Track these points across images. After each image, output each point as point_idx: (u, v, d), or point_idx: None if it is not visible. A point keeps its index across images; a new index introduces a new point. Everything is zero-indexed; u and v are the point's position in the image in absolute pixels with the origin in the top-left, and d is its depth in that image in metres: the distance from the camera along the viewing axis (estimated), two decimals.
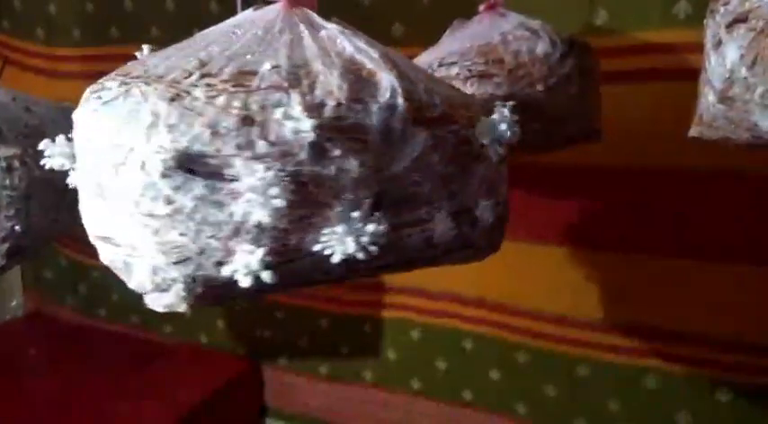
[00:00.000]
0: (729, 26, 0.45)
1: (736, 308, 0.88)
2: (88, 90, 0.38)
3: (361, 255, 0.35)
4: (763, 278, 0.85)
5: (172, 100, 0.34)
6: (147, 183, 0.33)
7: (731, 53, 0.44)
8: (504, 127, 0.43)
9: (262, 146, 0.33)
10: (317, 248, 0.35)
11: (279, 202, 0.33)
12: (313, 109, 0.34)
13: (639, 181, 0.90)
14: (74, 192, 0.40)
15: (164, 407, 1.14)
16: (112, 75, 0.38)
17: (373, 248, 0.36)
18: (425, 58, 0.65)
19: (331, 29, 0.41)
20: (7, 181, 0.53)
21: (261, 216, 0.33)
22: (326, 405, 1.27)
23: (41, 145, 0.40)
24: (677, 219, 0.89)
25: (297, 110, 0.34)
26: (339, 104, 0.35)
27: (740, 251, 0.86)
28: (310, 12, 0.42)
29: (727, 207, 0.86)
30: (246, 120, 0.33)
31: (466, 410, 1.12)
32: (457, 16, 0.70)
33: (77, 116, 0.38)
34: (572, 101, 0.63)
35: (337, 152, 0.35)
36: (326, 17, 0.42)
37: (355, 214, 0.35)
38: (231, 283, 0.35)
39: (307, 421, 1.29)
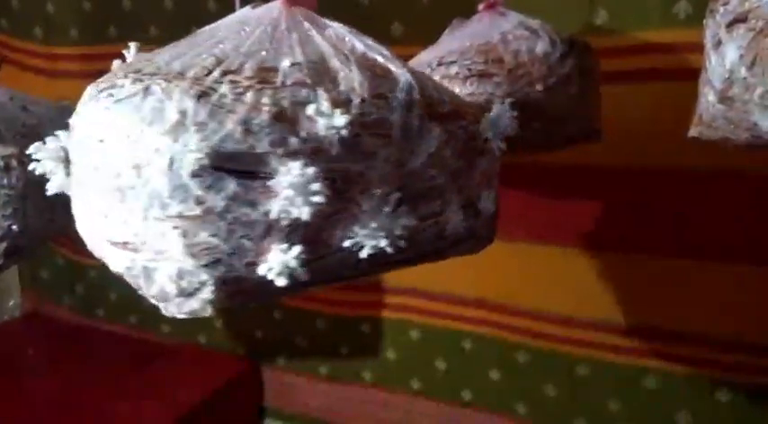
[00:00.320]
0: (729, 26, 0.44)
1: (736, 308, 0.88)
2: (92, 88, 0.37)
3: (390, 249, 0.36)
4: (762, 278, 0.85)
5: (199, 97, 0.33)
6: (176, 184, 0.32)
7: (731, 53, 0.44)
8: (505, 121, 0.45)
9: (294, 143, 0.33)
10: (346, 244, 0.36)
11: (319, 198, 0.33)
12: (341, 105, 0.34)
13: (639, 181, 0.90)
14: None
15: (162, 407, 1.13)
16: (118, 72, 0.37)
17: (402, 242, 0.36)
18: (425, 57, 0.65)
19: (336, 27, 0.41)
20: (5, 181, 0.53)
21: (300, 212, 0.33)
22: (326, 405, 1.27)
23: (31, 149, 0.38)
24: (677, 219, 0.89)
25: (326, 106, 0.34)
26: (363, 100, 0.36)
27: (740, 252, 0.86)
28: (309, 11, 0.42)
29: (727, 207, 0.86)
30: (279, 117, 0.33)
31: (466, 410, 1.11)
32: (456, 15, 0.70)
33: (82, 115, 0.36)
34: (572, 100, 0.63)
35: (364, 147, 0.35)
36: (325, 16, 0.42)
37: (386, 208, 0.36)
38: (263, 283, 0.34)
39: (306, 422, 1.29)
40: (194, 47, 0.38)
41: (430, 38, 0.70)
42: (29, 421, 1.11)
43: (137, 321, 1.43)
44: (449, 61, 0.62)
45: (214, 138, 0.32)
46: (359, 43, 0.40)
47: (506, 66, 0.60)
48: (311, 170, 0.33)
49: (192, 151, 0.32)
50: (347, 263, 0.37)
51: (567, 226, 0.97)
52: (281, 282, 0.34)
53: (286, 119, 0.33)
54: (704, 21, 0.48)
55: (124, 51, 0.42)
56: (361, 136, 0.35)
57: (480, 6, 0.67)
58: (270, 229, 0.33)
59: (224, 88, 0.33)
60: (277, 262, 0.33)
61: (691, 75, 0.52)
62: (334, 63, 0.37)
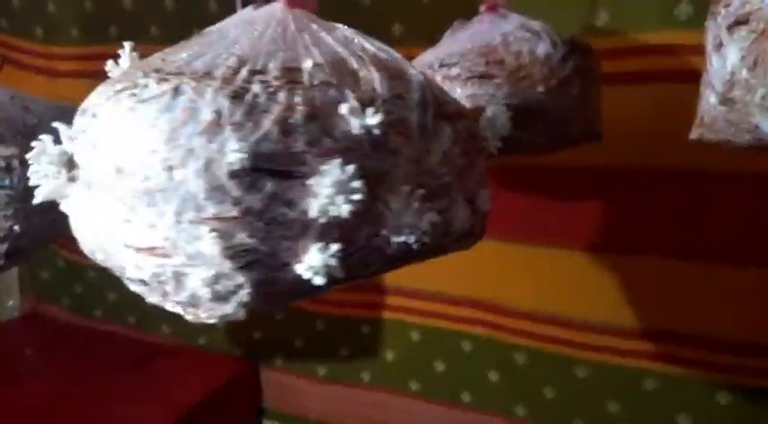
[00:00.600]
0: (730, 28, 0.44)
1: (737, 310, 0.88)
2: (106, 88, 0.36)
3: (416, 246, 0.37)
4: (763, 280, 0.85)
5: (233, 97, 0.32)
6: (212, 185, 0.32)
7: (732, 55, 0.44)
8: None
9: (328, 142, 0.33)
10: (376, 241, 0.36)
11: (359, 196, 0.33)
12: (368, 104, 0.35)
13: (639, 183, 0.90)
14: None
15: (161, 408, 1.13)
16: (137, 71, 0.36)
17: (427, 238, 0.37)
18: (426, 59, 0.65)
19: (342, 28, 0.41)
20: (6, 181, 0.53)
21: (341, 210, 0.33)
22: (324, 406, 1.27)
23: (30, 155, 0.36)
24: (677, 221, 0.89)
25: (356, 105, 0.34)
26: (385, 100, 0.36)
27: (740, 253, 0.86)
28: (309, 13, 0.42)
29: (728, 209, 0.86)
30: (312, 116, 0.33)
31: (465, 411, 1.11)
32: (457, 16, 0.70)
33: (99, 116, 0.35)
34: (573, 102, 0.63)
35: (390, 146, 0.36)
36: (326, 17, 0.42)
37: (415, 205, 0.37)
38: (297, 284, 0.34)
39: (304, 422, 1.29)
40: (209, 46, 0.37)
41: (431, 39, 0.70)
42: (28, 421, 1.11)
43: (135, 321, 1.43)
44: (450, 62, 0.62)
45: (251, 139, 0.32)
46: (368, 44, 0.40)
47: (507, 68, 0.60)
48: (351, 167, 0.33)
49: (230, 152, 0.31)
50: (372, 260, 0.37)
51: (567, 228, 0.97)
52: (319, 281, 0.34)
53: (319, 119, 0.33)
54: (705, 22, 0.48)
55: (120, 51, 0.42)
56: (389, 134, 0.35)
57: (481, 8, 0.67)
58: (307, 228, 0.33)
59: (256, 88, 0.33)
60: (315, 261, 0.33)
61: (691, 77, 0.52)
62: (353, 63, 0.37)
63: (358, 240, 0.35)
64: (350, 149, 0.34)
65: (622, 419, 0.98)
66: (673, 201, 0.89)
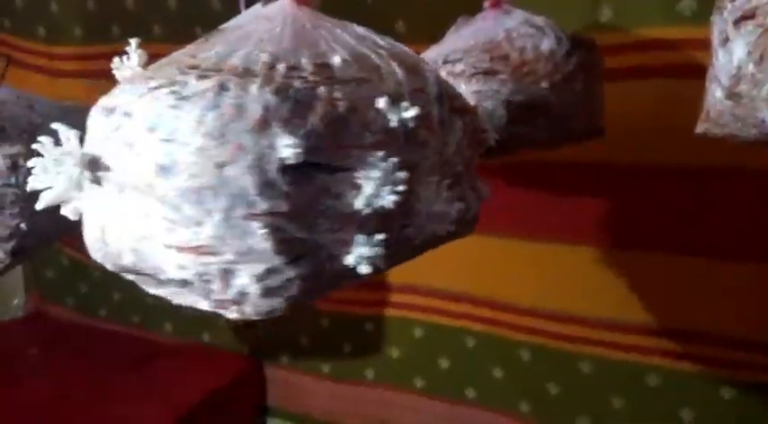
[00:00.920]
0: (737, 23, 0.45)
1: (740, 305, 0.88)
2: (136, 86, 0.34)
3: (444, 234, 0.38)
4: (766, 276, 0.85)
5: (277, 93, 0.32)
6: (263, 181, 0.31)
7: (738, 50, 0.44)
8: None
9: (369, 136, 0.34)
10: (406, 231, 0.37)
11: (403, 187, 0.34)
12: (399, 98, 0.36)
13: (643, 179, 0.90)
14: None
15: (166, 406, 1.14)
16: (168, 68, 0.35)
17: (453, 227, 0.39)
18: (430, 55, 0.65)
19: (352, 26, 0.41)
20: (12, 179, 0.53)
21: (386, 201, 0.34)
22: (329, 404, 1.27)
23: (35, 163, 0.35)
24: (681, 217, 0.89)
25: (390, 100, 0.35)
26: (410, 94, 0.37)
27: (744, 249, 0.86)
28: (314, 11, 0.42)
29: (732, 205, 0.86)
30: (353, 110, 0.34)
31: (469, 408, 1.11)
32: (461, 13, 0.70)
33: (134, 114, 0.33)
34: (576, 98, 0.63)
35: (420, 139, 0.37)
36: (328, 14, 0.42)
37: (444, 194, 0.38)
38: (341, 275, 0.35)
39: (309, 420, 1.29)
40: (236, 43, 0.37)
41: (434, 35, 0.70)
42: (29, 421, 1.11)
43: (140, 320, 1.43)
44: (454, 59, 0.62)
45: (299, 133, 0.32)
46: (382, 41, 0.41)
47: (512, 64, 0.60)
48: (395, 160, 0.34)
49: (281, 147, 0.31)
50: (401, 250, 0.38)
51: (569, 224, 0.97)
52: (364, 270, 0.35)
53: (359, 113, 0.34)
54: (711, 17, 0.48)
55: (127, 48, 0.41)
56: (419, 127, 0.36)
57: (485, 4, 0.67)
58: (352, 220, 0.34)
59: (297, 83, 0.33)
60: (363, 251, 0.34)
61: (696, 73, 0.52)
62: (375, 59, 0.38)
63: (394, 230, 0.36)
64: (388, 142, 0.35)
65: (626, 415, 0.98)
66: (675, 197, 0.89)
